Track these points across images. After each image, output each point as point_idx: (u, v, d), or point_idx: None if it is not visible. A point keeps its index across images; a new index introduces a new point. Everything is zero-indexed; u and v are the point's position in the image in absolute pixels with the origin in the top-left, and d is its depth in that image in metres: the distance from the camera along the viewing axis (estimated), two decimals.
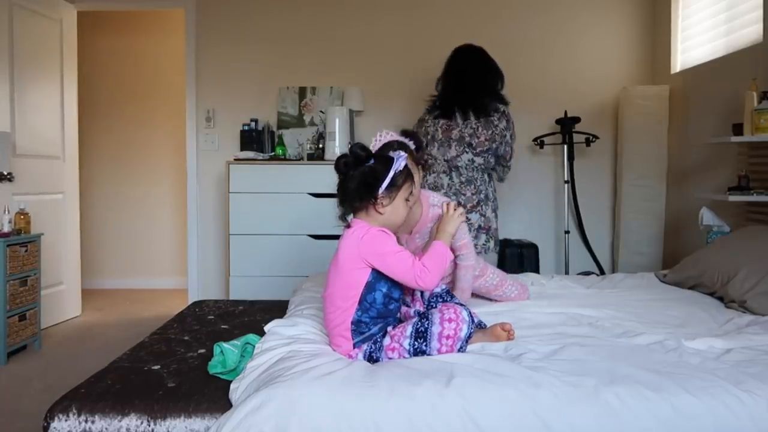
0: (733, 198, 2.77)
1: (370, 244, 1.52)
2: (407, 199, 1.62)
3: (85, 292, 4.46)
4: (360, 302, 1.54)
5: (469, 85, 2.97)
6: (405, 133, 1.84)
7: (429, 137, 2.95)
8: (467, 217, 3.03)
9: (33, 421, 2.28)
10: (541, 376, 1.34)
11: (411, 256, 1.53)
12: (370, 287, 1.54)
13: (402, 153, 1.59)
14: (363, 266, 1.53)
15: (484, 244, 2.91)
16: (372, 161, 1.56)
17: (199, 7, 4.17)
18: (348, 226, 1.59)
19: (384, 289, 1.55)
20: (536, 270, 3.65)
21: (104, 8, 4.47)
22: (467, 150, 2.90)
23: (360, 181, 1.55)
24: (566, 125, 3.88)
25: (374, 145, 1.76)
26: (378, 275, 1.54)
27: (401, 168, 1.57)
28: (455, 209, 1.73)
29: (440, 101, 3.02)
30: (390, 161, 1.57)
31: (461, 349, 1.52)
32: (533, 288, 2.45)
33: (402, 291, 1.64)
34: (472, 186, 2.92)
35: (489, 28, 4.16)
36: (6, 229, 3.12)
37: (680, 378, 1.34)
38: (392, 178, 1.55)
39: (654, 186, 3.87)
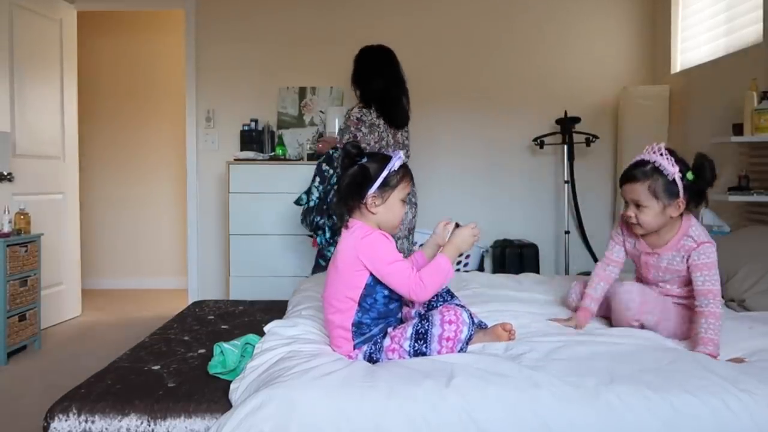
0: (733, 198, 2.77)
1: (368, 248, 1.51)
2: (404, 200, 1.59)
3: (85, 292, 4.46)
4: (360, 304, 1.54)
5: (406, 90, 3.10)
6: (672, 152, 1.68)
7: (384, 143, 3.01)
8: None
9: (33, 421, 2.28)
10: (542, 376, 1.34)
11: (409, 266, 1.51)
12: (369, 289, 1.53)
13: (400, 153, 1.58)
14: (361, 268, 1.52)
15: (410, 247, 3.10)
16: (364, 160, 1.56)
17: (199, 7, 4.17)
18: (346, 227, 1.58)
19: (385, 291, 1.55)
20: (536, 270, 3.66)
21: (104, 8, 4.48)
22: (407, 154, 3.11)
23: (350, 181, 1.55)
24: (566, 125, 3.88)
25: (648, 156, 1.67)
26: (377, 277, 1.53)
27: (396, 168, 1.56)
28: (473, 228, 1.61)
29: (386, 105, 3.02)
30: (386, 160, 1.56)
31: (461, 351, 1.52)
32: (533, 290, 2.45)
33: None
34: (413, 187, 3.12)
35: (489, 28, 4.16)
36: (6, 229, 3.12)
37: (680, 378, 1.34)
38: (385, 178, 1.54)
39: None
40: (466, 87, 4.18)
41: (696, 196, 1.70)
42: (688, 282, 1.74)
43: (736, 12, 3.21)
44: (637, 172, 1.70)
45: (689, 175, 1.67)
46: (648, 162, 1.70)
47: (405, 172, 1.59)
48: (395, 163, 1.55)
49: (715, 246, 1.72)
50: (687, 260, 1.72)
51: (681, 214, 1.73)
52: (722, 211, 3.06)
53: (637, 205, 1.70)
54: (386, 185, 1.55)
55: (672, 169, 1.65)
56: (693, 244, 1.71)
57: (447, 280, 1.53)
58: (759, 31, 2.96)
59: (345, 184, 1.57)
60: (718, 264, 1.70)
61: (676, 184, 1.66)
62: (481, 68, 4.16)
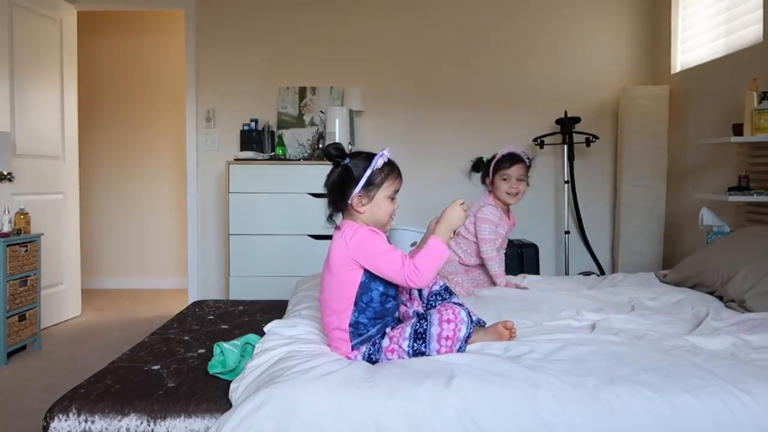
0: (733, 198, 2.77)
1: (359, 245, 1.51)
2: (391, 197, 1.58)
3: (85, 292, 4.46)
4: (356, 303, 1.54)
5: None
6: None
7: None
8: None
9: (33, 421, 2.29)
10: (541, 376, 1.34)
11: (402, 255, 1.50)
12: (365, 287, 1.53)
13: (384, 152, 1.57)
14: (354, 267, 1.52)
15: None
16: (347, 160, 1.56)
17: (199, 7, 4.17)
18: (337, 227, 1.58)
19: (380, 288, 1.55)
20: (536, 270, 3.65)
21: (104, 8, 4.48)
22: None
23: (333, 182, 1.56)
24: (566, 125, 3.88)
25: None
26: (372, 275, 1.53)
27: (379, 166, 1.55)
28: (461, 204, 1.60)
29: None
30: (369, 159, 1.55)
31: (460, 350, 1.52)
32: (533, 290, 2.45)
33: (398, 288, 1.63)
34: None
35: (489, 29, 4.16)
36: (6, 229, 3.11)
37: (680, 378, 1.34)
38: (369, 178, 1.54)
39: (654, 186, 3.87)
40: (466, 87, 4.18)
41: None
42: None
43: (736, 12, 3.21)
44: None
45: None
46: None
47: (390, 169, 1.58)
48: (378, 162, 1.55)
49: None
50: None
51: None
52: (722, 211, 3.06)
53: (519, 180, 2.60)
54: (371, 184, 1.55)
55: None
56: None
57: (443, 260, 1.51)
58: (759, 31, 2.96)
59: (329, 187, 1.58)
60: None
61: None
62: (481, 68, 4.16)
